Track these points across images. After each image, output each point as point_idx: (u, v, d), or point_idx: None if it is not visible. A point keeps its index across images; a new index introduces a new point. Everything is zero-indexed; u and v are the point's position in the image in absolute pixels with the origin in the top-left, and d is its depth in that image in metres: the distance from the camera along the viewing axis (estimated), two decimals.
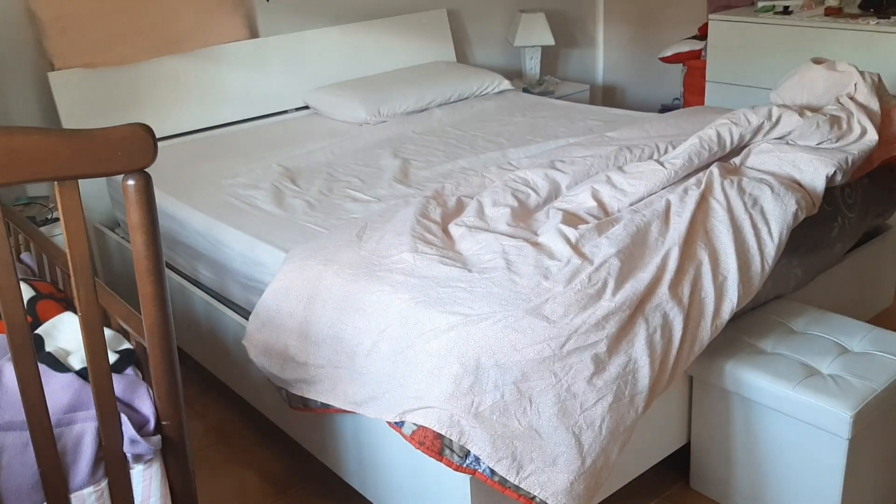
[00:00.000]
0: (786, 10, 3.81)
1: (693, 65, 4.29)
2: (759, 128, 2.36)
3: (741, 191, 2.07)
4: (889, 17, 3.51)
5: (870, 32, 3.43)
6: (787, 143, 2.33)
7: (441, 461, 1.62)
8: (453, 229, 2.05)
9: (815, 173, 2.18)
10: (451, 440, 1.61)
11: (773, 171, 2.21)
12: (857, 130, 2.34)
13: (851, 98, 2.46)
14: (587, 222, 2.02)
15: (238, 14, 3.41)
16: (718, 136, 2.31)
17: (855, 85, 2.50)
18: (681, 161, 2.21)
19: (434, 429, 1.61)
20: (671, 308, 1.78)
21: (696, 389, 2.04)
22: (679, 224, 1.94)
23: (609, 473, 1.67)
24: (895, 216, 2.77)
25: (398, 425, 1.70)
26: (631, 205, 2.11)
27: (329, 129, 3.33)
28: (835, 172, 2.18)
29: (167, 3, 3.20)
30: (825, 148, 2.29)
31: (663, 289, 1.79)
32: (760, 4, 3.97)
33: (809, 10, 3.81)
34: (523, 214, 2.11)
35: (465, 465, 1.61)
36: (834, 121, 2.34)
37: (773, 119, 2.36)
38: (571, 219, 2.03)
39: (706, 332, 1.83)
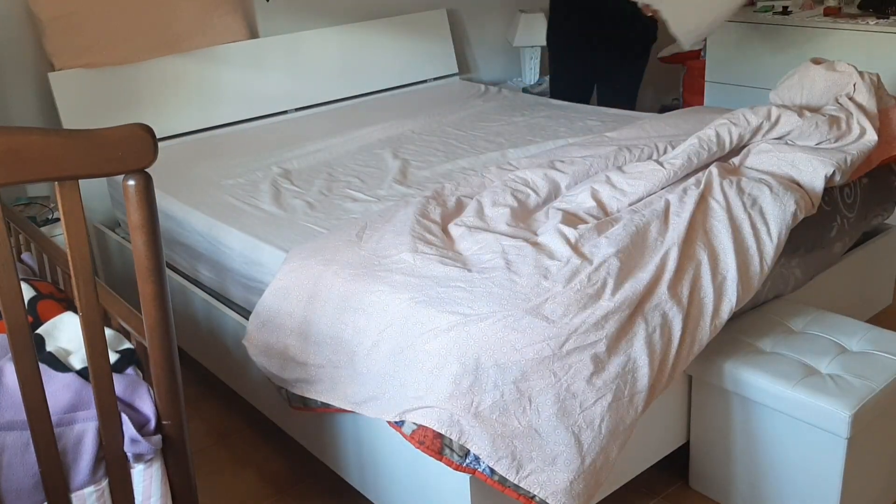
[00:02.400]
0: (785, 11, 3.81)
1: (692, 65, 4.30)
2: (759, 128, 2.36)
3: (740, 191, 2.08)
4: (888, 17, 3.51)
5: (869, 32, 3.43)
6: (787, 144, 2.33)
7: (441, 460, 1.63)
8: (453, 229, 2.06)
9: (814, 173, 2.18)
10: (450, 439, 1.61)
11: (772, 170, 2.21)
12: (856, 131, 2.34)
13: (851, 98, 2.47)
14: (587, 222, 2.02)
15: (238, 14, 3.41)
16: (718, 136, 2.31)
17: (854, 85, 2.51)
18: (680, 161, 2.21)
19: (434, 428, 1.61)
20: (670, 308, 1.78)
21: (695, 389, 2.04)
22: (678, 224, 1.95)
23: (609, 473, 1.67)
24: (895, 216, 2.77)
25: (398, 425, 1.70)
26: (630, 205, 2.11)
27: (329, 129, 3.33)
28: (833, 172, 2.19)
29: (167, 3, 3.20)
30: (824, 148, 2.29)
31: (662, 288, 1.80)
32: (760, 4, 3.97)
33: (808, 10, 3.82)
34: (523, 214, 2.12)
35: (464, 465, 1.62)
36: (833, 121, 2.34)
37: (773, 119, 2.37)
38: (571, 219, 2.03)
39: (705, 332, 1.83)
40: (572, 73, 3.76)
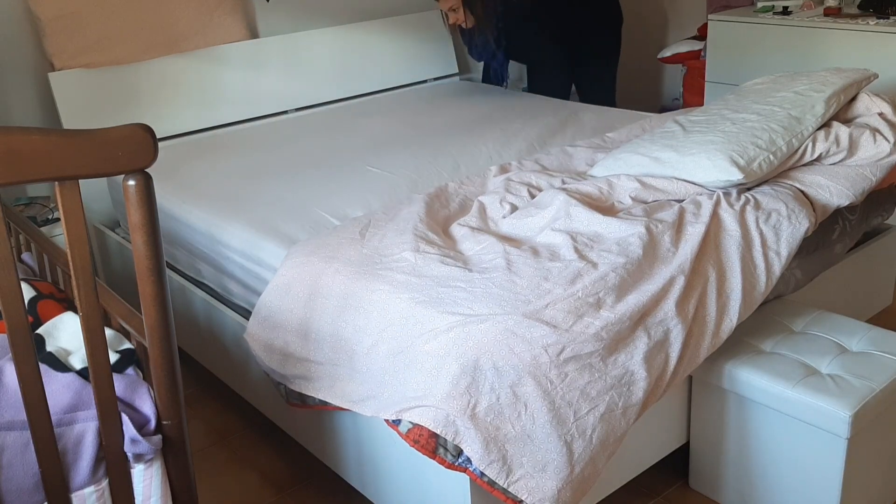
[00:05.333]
0: (785, 11, 3.81)
1: (693, 65, 4.29)
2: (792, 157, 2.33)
3: (756, 205, 2.06)
4: (888, 17, 3.51)
5: (869, 32, 3.43)
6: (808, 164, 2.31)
7: (434, 459, 1.63)
8: (456, 230, 2.06)
9: (830, 199, 2.18)
10: (445, 439, 1.61)
11: (788, 184, 2.20)
12: (884, 147, 2.33)
13: (880, 115, 2.45)
14: (594, 199, 2.01)
15: (237, 14, 3.41)
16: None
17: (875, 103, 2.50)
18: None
19: (430, 427, 1.61)
20: (675, 325, 1.77)
21: (695, 389, 2.04)
22: (692, 236, 1.92)
23: (595, 481, 1.67)
24: (895, 216, 2.77)
25: (395, 423, 1.70)
26: (647, 202, 2.10)
27: (328, 129, 3.33)
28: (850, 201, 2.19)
29: (167, 3, 3.20)
30: (847, 165, 2.27)
31: (670, 304, 1.78)
32: (760, 4, 3.97)
33: (809, 11, 3.82)
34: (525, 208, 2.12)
35: (457, 464, 1.62)
36: (858, 135, 2.33)
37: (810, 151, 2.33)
38: (581, 198, 2.04)
39: (703, 351, 1.82)
40: (551, 76, 3.82)
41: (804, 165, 2.29)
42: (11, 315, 1.18)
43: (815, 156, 2.28)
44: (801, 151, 2.26)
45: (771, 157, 2.15)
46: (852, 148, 2.30)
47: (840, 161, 2.30)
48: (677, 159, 2.18)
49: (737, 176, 2.07)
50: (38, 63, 3.04)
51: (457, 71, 4.12)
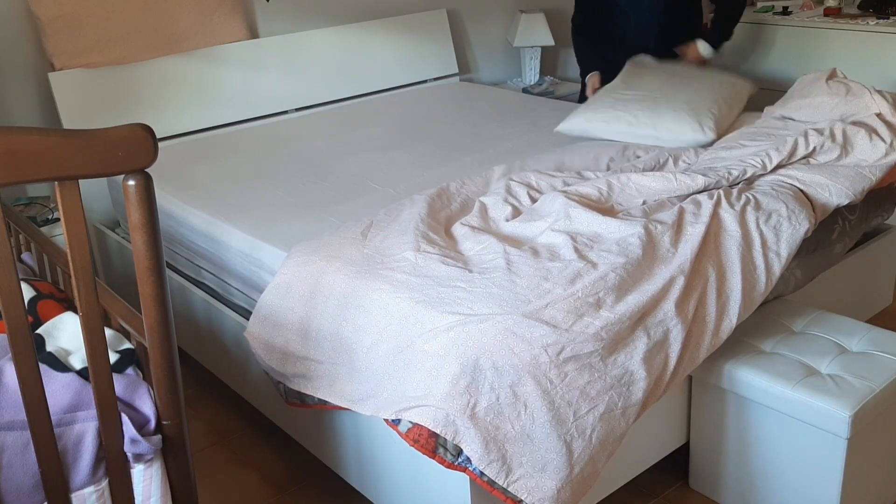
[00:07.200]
0: (785, 11, 3.82)
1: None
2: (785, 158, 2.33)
3: (756, 205, 2.06)
4: (888, 17, 3.51)
5: (869, 33, 3.43)
6: (807, 164, 2.31)
7: (434, 458, 1.63)
8: (457, 229, 2.06)
9: (830, 199, 2.18)
10: (445, 439, 1.61)
11: (788, 185, 2.20)
12: (880, 148, 2.32)
13: (878, 115, 2.45)
14: (593, 202, 2.02)
15: (237, 14, 3.41)
16: (744, 172, 2.27)
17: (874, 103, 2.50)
18: (701, 182, 2.19)
19: (430, 427, 1.61)
20: (675, 325, 1.77)
21: (695, 389, 2.04)
22: (692, 236, 1.93)
23: (595, 481, 1.67)
24: (895, 216, 2.77)
25: (394, 423, 1.70)
26: (645, 202, 2.10)
27: (329, 129, 3.33)
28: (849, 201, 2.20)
29: (167, 3, 3.20)
30: (843, 165, 2.28)
31: (670, 304, 1.78)
32: (760, 4, 3.97)
33: (809, 11, 3.82)
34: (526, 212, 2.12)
35: (457, 463, 1.62)
36: (854, 133, 2.33)
37: (802, 150, 2.34)
38: (581, 200, 2.04)
39: (703, 351, 1.82)
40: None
41: (801, 163, 2.29)
42: (11, 315, 1.18)
43: (810, 149, 2.28)
44: (792, 145, 2.27)
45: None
46: (846, 145, 2.30)
47: (835, 158, 2.30)
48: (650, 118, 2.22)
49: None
50: (38, 63, 3.04)
51: (457, 71, 4.12)
